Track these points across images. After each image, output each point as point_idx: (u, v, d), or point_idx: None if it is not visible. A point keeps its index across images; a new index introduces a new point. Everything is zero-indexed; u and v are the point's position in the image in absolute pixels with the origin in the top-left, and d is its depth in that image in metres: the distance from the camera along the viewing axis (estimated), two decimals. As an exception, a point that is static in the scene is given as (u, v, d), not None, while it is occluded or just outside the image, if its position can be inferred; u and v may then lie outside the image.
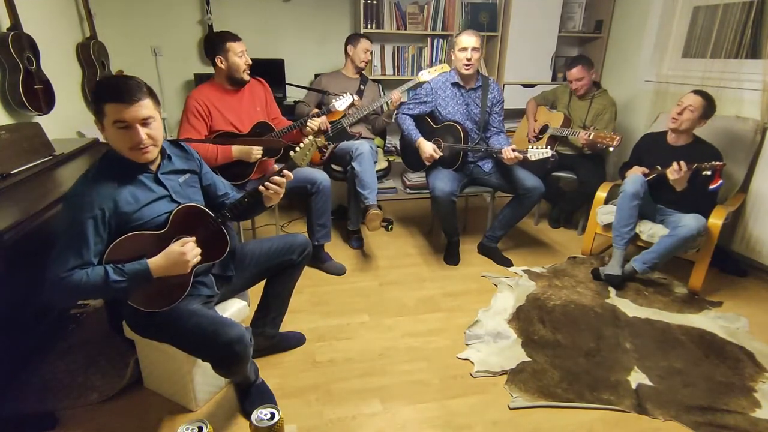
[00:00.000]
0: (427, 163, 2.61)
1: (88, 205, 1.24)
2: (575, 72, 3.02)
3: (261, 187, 1.50)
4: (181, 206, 1.39)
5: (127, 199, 1.31)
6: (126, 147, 1.29)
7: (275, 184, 1.50)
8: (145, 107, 1.27)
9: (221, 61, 2.28)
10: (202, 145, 2.23)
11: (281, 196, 1.55)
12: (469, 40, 2.50)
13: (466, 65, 2.53)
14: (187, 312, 1.39)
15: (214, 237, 1.45)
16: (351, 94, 2.50)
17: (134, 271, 1.27)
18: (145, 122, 1.28)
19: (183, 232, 1.38)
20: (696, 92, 2.33)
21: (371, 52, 3.02)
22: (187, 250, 1.31)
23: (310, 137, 1.60)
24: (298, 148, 1.56)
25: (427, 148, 2.56)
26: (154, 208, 1.37)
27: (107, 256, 1.27)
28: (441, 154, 2.58)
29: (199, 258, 1.35)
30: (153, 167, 1.40)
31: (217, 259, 1.48)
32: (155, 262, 1.29)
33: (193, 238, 1.36)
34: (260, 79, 2.53)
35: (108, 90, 1.25)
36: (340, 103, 2.48)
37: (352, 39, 3.00)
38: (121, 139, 1.28)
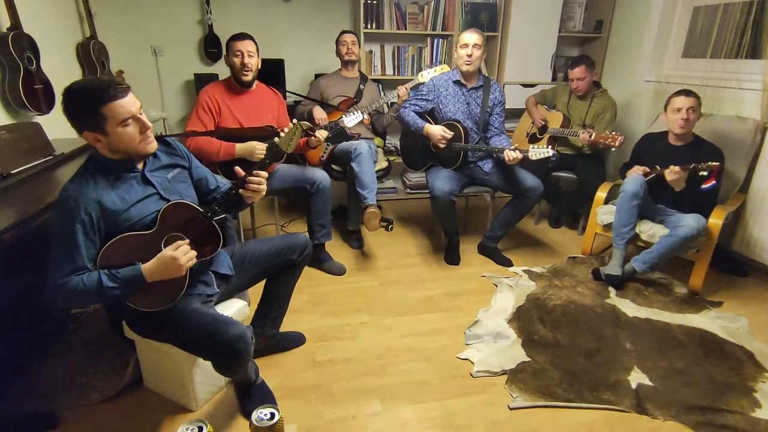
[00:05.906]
0: (441, 145, 2.56)
1: (75, 210, 1.22)
2: (577, 72, 3.01)
3: (242, 190, 1.44)
4: (168, 204, 1.37)
5: (114, 200, 1.29)
6: (137, 141, 1.28)
7: (256, 179, 1.43)
8: (133, 95, 1.27)
9: (226, 60, 2.34)
10: (205, 140, 2.24)
11: (263, 192, 1.47)
12: (470, 37, 2.52)
13: (467, 62, 2.54)
14: (188, 311, 1.39)
15: (206, 233, 1.41)
16: (361, 112, 2.52)
17: (128, 276, 1.25)
18: (140, 111, 1.28)
19: (173, 230, 1.36)
20: (686, 93, 2.30)
21: (354, 42, 2.99)
22: (179, 254, 1.27)
23: (295, 121, 1.58)
24: (282, 134, 1.51)
25: (437, 130, 2.56)
26: (143, 207, 1.35)
27: (100, 260, 1.26)
28: (452, 133, 2.56)
29: (194, 260, 1.33)
30: (140, 166, 1.38)
31: (211, 254, 1.45)
32: (148, 268, 1.27)
33: (187, 240, 1.33)
34: (275, 89, 2.54)
35: (99, 93, 1.19)
36: (350, 119, 2.50)
37: (337, 41, 3.02)
38: (131, 135, 1.26)
